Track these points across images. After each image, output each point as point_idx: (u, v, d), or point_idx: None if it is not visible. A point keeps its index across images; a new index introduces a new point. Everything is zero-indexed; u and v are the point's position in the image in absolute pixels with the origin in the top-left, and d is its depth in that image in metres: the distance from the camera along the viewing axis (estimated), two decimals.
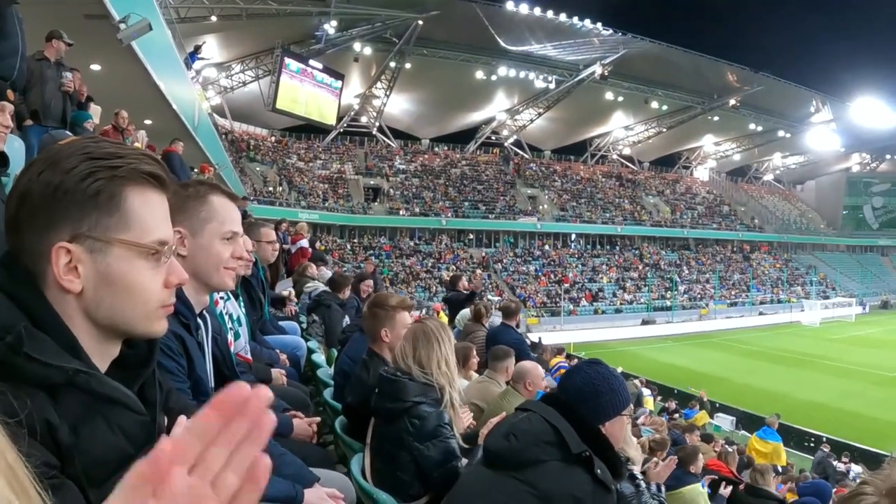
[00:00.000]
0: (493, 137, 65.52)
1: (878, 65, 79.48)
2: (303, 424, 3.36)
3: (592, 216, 60.60)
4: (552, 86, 55.79)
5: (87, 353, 1.19)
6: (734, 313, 54.18)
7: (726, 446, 12.67)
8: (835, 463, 17.19)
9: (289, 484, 2.28)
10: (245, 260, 2.37)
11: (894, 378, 29.98)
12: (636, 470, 4.30)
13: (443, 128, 62.76)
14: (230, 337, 3.38)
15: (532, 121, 62.28)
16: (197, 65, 28.54)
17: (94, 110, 9.68)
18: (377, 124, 60.09)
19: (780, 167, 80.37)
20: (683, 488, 6.27)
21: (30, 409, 1.03)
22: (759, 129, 67.81)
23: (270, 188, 48.02)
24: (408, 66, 50.43)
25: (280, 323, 6.26)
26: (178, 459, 0.58)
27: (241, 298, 4.15)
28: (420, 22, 45.01)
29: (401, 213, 53.36)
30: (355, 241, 50.69)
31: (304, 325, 7.25)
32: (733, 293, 58.19)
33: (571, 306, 49.15)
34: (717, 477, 7.87)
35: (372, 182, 56.18)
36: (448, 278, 17.26)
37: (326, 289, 7.76)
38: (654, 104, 61.45)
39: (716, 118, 64.36)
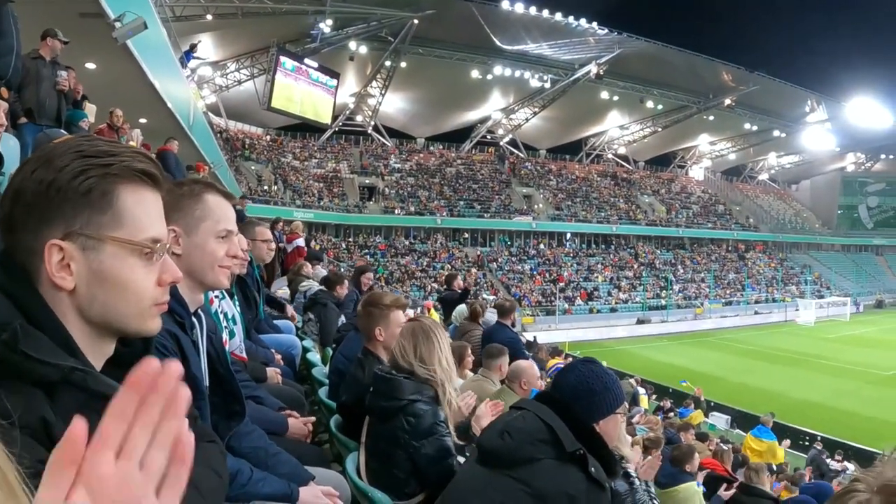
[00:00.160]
0: (489, 136, 65.59)
1: (873, 65, 79.85)
2: (298, 423, 3.37)
3: (587, 215, 60.67)
4: (547, 85, 55.75)
5: (83, 351, 1.19)
6: (729, 312, 54.31)
7: (721, 445, 12.70)
8: (829, 461, 17.25)
9: (284, 482, 2.28)
10: (240, 258, 2.37)
11: (889, 377, 30.09)
12: (630, 468, 4.31)
13: (438, 127, 62.79)
14: (225, 336, 3.37)
15: (527, 120, 62.34)
16: (192, 64, 28.52)
17: (90, 109, 9.66)
18: (372, 123, 60.07)
19: (775, 167, 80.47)
20: (678, 486, 6.29)
21: (25, 407, 1.03)
22: (755, 128, 67.89)
23: (265, 187, 47.94)
24: (403, 65, 50.37)
25: (275, 322, 6.26)
26: (104, 443, 0.58)
27: (236, 297, 4.15)
28: (415, 21, 44.94)
29: (396, 212, 53.33)
30: (350, 240, 50.67)
31: (300, 324, 7.25)
32: (728, 292, 58.30)
33: (566, 305, 49.17)
34: (714, 475, 7.90)
35: (367, 181, 56.15)
36: (443, 277, 17.27)
37: (322, 287, 7.76)
38: (650, 104, 61.49)
39: (711, 118, 64.42)
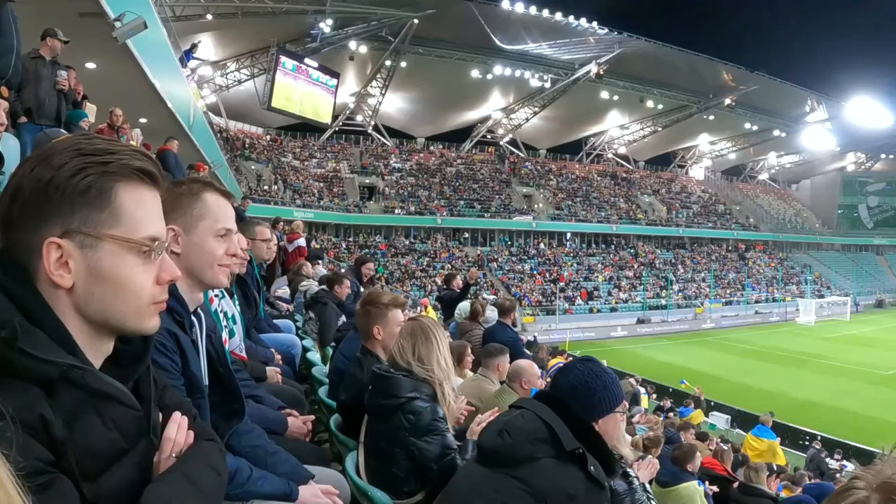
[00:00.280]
0: (489, 136, 65.57)
1: (873, 64, 79.90)
2: (297, 422, 3.37)
3: (588, 215, 60.64)
4: (548, 85, 55.73)
5: (82, 349, 1.19)
6: (729, 312, 54.26)
7: (721, 444, 12.71)
8: (828, 460, 17.26)
9: (283, 481, 2.28)
10: (239, 257, 2.37)
11: (889, 377, 30.10)
12: (629, 468, 4.31)
13: (438, 126, 62.79)
14: (225, 335, 3.37)
15: (527, 120, 62.32)
16: (192, 64, 28.49)
17: (90, 109, 9.67)
18: (372, 123, 60.06)
19: (775, 166, 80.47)
20: (679, 485, 6.29)
21: (24, 405, 1.03)
22: (755, 128, 67.92)
23: (265, 187, 47.90)
24: (403, 64, 50.33)
25: (275, 321, 6.26)
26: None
27: (235, 296, 4.15)
28: (415, 21, 44.91)
29: (396, 211, 53.29)
30: (350, 239, 50.60)
31: (300, 324, 7.25)
32: (728, 292, 58.25)
33: (567, 305, 49.16)
34: (712, 474, 7.89)
35: (367, 181, 56.10)
36: (442, 276, 17.23)
37: (324, 287, 7.74)
38: (650, 103, 61.50)
39: (711, 117, 64.39)
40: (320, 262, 13.39)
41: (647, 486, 4.79)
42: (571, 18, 47.45)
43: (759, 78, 58.28)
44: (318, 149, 58.21)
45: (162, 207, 1.34)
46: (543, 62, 54.02)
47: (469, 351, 6.45)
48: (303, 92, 47.21)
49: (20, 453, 0.87)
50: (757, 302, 58.07)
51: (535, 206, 59.99)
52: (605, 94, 58.15)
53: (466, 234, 55.17)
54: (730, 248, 66.81)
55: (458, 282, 11.47)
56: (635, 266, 57.38)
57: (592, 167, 70.10)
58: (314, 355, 5.85)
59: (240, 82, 47.45)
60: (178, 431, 1.48)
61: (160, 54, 16.45)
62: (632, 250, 60.05)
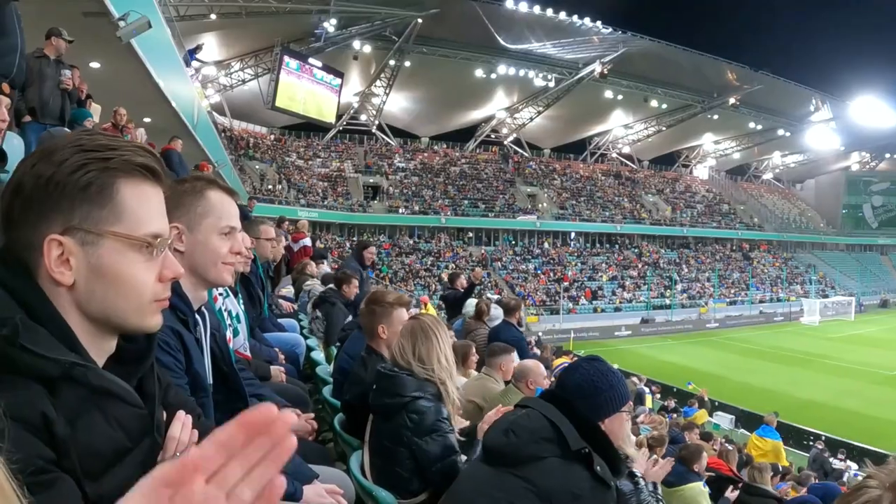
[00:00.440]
0: (493, 136, 65.54)
1: (877, 63, 79.47)
2: (300, 421, 3.37)
3: (592, 214, 60.57)
4: (552, 84, 55.77)
5: (84, 347, 1.18)
6: (733, 312, 54.14)
7: (726, 445, 12.69)
8: (832, 460, 17.23)
9: (287, 480, 2.26)
10: (244, 255, 2.37)
11: (893, 376, 30.02)
12: (635, 468, 4.30)
13: (442, 126, 62.80)
14: (229, 334, 3.37)
15: (531, 119, 62.29)
16: (194, 65, 28.56)
17: (94, 108, 9.68)
18: (376, 122, 60.09)
19: (779, 166, 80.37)
20: (685, 486, 6.27)
21: (26, 402, 1.02)
22: (759, 127, 67.78)
23: (269, 186, 47.97)
24: (407, 64, 50.41)
25: (279, 320, 6.26)
26: (200, 467, 0.61)
27: (240, 295, 4.15)
28: (419, 20, 44.97)
29: (400, 211, 53.31)
30: (354, 239, 50.50)
31: (304, 323, 7.25)
32: (732, 292, 58.16)
33: (571, 304, 49.13)
34: (716, 476, 7.88)
35: (371, 180, 56.13)
36: (446, 276, 17.20)
37: (332, 286, 7.72)
38: (654, 103, 61.43)
39: (715, 117, 64.35)
40: (325, 261, 13.40)
41: (657, 486, 4.78)
42: (575, 18, 47.52)
43: (763, 77, 58.24)
44: (322, 148, 58.23)
45: (165, 205, 1.33)
46: (547, 61, 54.04)
47: (473, 350, 6.44)
48: (307, 91, 47.31)
49: (21, 452, 0.86)
50: (761, 302, 57.98)
51: (539, 205, 59.97)
52: (609, 94, 58.12)
53: (470, 234, 55.19)
54: (734, 247, 66.71)
55: (461, 281, 11.45)
56: (639, 266, 57.35)
57: (596, 167, 70.09)
58: (318, 354, 5.84)
59: (244, 82, 47.60)
60: (182, 430, 1.47)
61: (164, 54, 16.49)
62: (636, 250, 60.00)
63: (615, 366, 2.78)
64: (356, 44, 47.16)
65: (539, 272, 52.52)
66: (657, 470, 4.74)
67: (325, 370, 5.17)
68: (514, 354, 5.82)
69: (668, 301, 52.72)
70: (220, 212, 2.20)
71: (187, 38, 27.68)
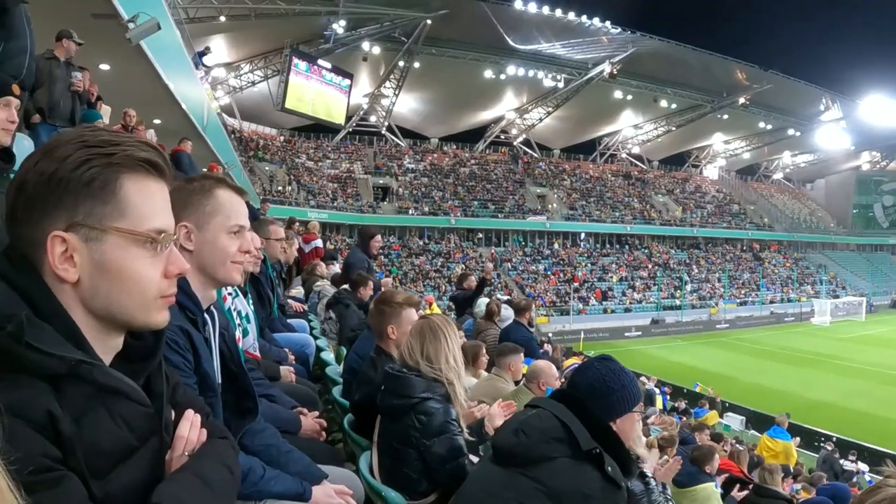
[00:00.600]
0: (502, 136, 65.62)
1: (887, 62, 79.38)
2: (310, 421, 3.36)
3: (602, 215, 60.52)
4: (561, 85, 55.69)
5: (90, 344, 1.17)
6: (744, 312, 53.98)
7: (737, 446, 12.64)
8: (842, 461, 17.14)
9: (296, 481, 2.27)
10: (253, 255, 2.36)
11: None
12: (646, 468, 4.29)
13: (452, 127, 62.82)
14: (238, 334, 3.37)
15: (541, 120, 62.29)
16: (200, 69, 28.68)
17: (104, 110, 9.71)
18: (386, 124, 60.22)
19: (789, 166, 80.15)
20: (697, 486, 6.25)
21: (31, 400, 1.02)
22: (769, 127, 67.60)
23: (279, 188, 48.07)
24: (416, 65, 50.41)
25: (289, 321, 6.26)
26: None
27: (249, 296, 4.15)
28: (428, 21, 45.00)
29: (410, 212, 53.40)
30: None
31: (314, 324, 7.24)
32: (743, 292, 58.02)
33: (581, 305, 49.08)
34: (729, 476, 7.85)
35: (381, 181, 56.20)
36: (456, 276, 17.15)
37: (346, 287, 7.70)
38: (663, 103, 61.30)
39: (725, 116, 64.22)
40: (335, 262, 13.41)
41: (667, 486, 4.77)
42: (584, 18, 47.49)
43: (772, 77, 58.04)
44: (331, 149, 58.36)
45: (174, 204, 1.32)
46: (557, 62, 53.98)
47: (483, 351, 6.43)
48: (316, 93, 47.42)
49: (27, 450, 0.85)
50: (772, 302, 57.82)
51: (549, 206, 59.90)
52: (618, 94, 58.04)
53: (480, 235, 55.18)
54: (744, 248, 66.52)
55: (471, 282, 11.42)
56: (649, 266, 57.25)
57: (606, 167, 70.04)
58: (328, 355, 5.84)
59: (253, 84, 47.75)
60: (190, 429, 1.46)
61: (174, 56, 16.53)
62: (646, 250, 59.91)
63: None
64: (365, 45, 47.24)
65: (549, 273, 52.48)
66: (665, 470, 4.72)
67: (334, 370, 5.16)
68: (521, 354, 5.81)
69: (678, 302, 52.62)
70: (228, 211, 2.19)
71: (197, 40, 27.76)
